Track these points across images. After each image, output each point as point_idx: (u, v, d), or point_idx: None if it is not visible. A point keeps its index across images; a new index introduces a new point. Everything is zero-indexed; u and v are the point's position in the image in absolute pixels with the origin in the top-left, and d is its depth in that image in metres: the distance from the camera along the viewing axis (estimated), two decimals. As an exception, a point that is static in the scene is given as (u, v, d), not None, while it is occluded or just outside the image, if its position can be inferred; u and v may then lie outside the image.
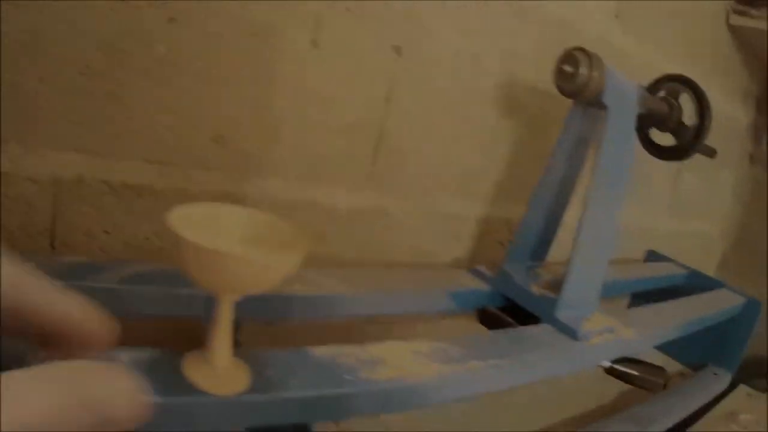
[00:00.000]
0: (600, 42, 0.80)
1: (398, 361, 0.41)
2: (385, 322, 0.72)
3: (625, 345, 0.60)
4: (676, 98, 0.68)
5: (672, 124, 0.67)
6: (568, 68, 0.49)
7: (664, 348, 0.97)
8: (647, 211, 1.02)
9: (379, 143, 0.63)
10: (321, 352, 0.40)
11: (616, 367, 0.69)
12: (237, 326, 0.33)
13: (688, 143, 0.68)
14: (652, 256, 1.00)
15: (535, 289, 0.59)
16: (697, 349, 0.96)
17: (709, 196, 1.12)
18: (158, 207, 0.52)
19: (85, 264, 0.46)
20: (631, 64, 0.86)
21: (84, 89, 0.46)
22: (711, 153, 0.72)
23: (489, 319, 0.62)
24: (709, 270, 1.27)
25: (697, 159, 0.95)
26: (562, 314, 0.56)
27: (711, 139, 1.01)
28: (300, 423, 0.46)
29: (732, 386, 1.22)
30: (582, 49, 0.49)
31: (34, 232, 0.48)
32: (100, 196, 0.50)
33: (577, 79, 0.49)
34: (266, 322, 0.58)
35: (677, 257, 0.99)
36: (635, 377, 0.70)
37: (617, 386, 0.83)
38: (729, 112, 1.07)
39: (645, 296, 0.94)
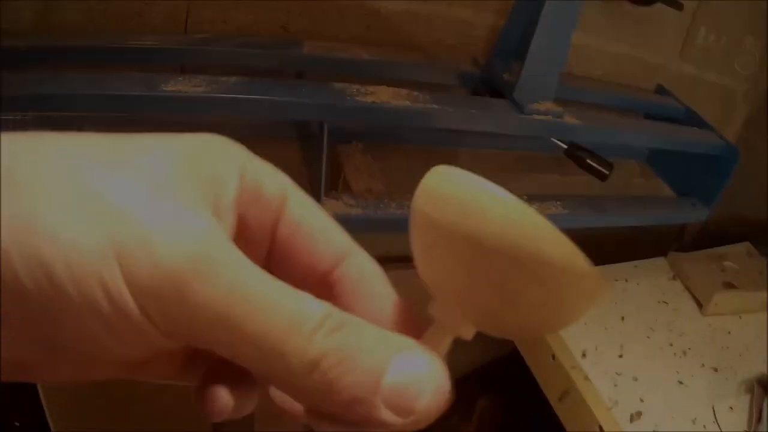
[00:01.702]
0: None
1: (384, 95, 0.72)
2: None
3: (565, 128, 0.85)
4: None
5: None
6: None
7: (659, 172, 1.16)
8: (654, 48, 1.15)
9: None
10: (338, 84, 0.72)
11: (571, 149, 0.96)
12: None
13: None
14: (660, 90, 1.16)
15: (506, 77, 0.85)
16: (683, 181, 1.12)
17: (730, 54, 1.20)
18: None
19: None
20: None
21: None
22: (677, 5, 0.87)
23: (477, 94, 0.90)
24: (732, 127, 1.37)
25: (719, 19, 1.09)
26: (518, 95, 0.82)
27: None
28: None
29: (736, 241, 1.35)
30: None
31: None
32: None
33: None
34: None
35: (693, 104, 1.08)
36: (585, 161, 0.96)
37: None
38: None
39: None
